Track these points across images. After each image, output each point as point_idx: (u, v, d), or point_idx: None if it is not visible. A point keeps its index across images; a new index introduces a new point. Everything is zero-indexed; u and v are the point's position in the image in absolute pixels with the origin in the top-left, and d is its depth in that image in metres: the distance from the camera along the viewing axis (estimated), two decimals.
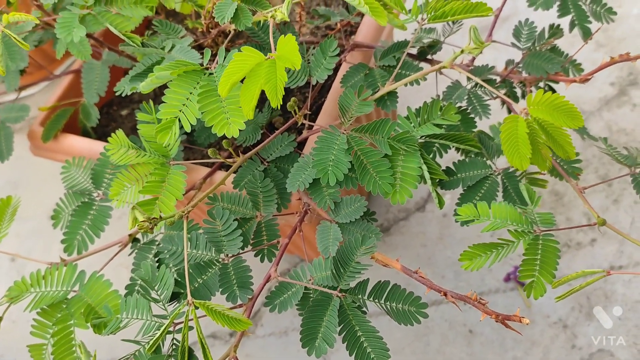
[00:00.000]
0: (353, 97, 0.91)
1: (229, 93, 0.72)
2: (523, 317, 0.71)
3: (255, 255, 0.90)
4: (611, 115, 1.49)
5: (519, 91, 1.04)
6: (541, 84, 1.01)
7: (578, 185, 0.86)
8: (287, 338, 1.41)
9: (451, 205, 1.51)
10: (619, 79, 1.54)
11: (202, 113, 0.79)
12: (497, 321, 0.74)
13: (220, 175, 1.02)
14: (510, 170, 0.91)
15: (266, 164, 0.97)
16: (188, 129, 0.80)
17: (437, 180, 0.90)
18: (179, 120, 0.81)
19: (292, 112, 0.92)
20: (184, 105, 0.81)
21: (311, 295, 0.82)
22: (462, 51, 0.86)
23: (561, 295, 0.77)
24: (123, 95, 0.91)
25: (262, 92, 0.72)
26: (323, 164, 0.86)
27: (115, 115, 1.31)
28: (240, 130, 0.78)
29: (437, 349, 1.31)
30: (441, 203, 0.89)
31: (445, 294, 0.79)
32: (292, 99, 0.90)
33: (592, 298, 1.29)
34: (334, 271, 0.80)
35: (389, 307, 0.80)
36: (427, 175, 0.87)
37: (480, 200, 0.90)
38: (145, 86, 0.83)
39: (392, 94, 0.94)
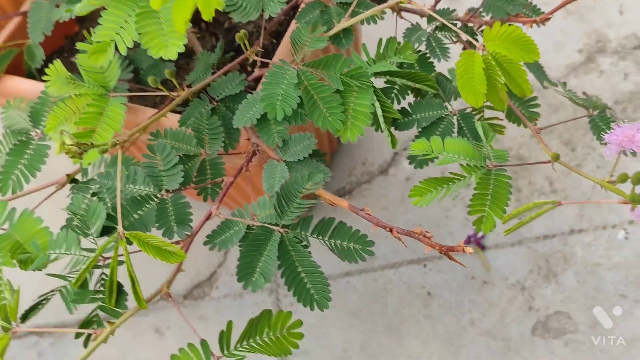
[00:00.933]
0: (306, 33, 0.87)
1: (163, 5, 0.67)
2: (467, 246, 0.67)
3: (199, 194, 0.86)
4: (578, 81, 1.47)
5: (480, 38, 1.01)
6: None
7: (535, 126, 0.83)
8: (242, 300, 1.37)
9: (414, 170, 1.49)
10: (587, 46, 1.52)
11: (139, 35, 0.74)
12: (440, 252, 0.71)
13: (170, 116, 0.97)
14: (467, 111, 0.87)
15: (215, 103, 0.92)
16: (124, 52, 0.75)
17: (392, 120, 0.87)
18: (115, 43, 0.76)
19: (242, 46, 0.87)
20: (121, 27, 0.76)
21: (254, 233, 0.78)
22: None
23: (510, 228, 0.74)
24: (61, 22, 0.85)
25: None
26: (271, 99, 0.82)
27: (64, 63, 1.25)
28: (179, 53, 0.73)
29: (395, 312, 1.29)
30: (394, 143, 0.85)
31: (391, 230, 0.76)
32: (242, 31, 0.86)
33: (551, 260, 1.27)
34: (277, 207, 0.76)
35: (333, 244, 0.76)
36: (379, 113, 0.83)
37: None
38: (81, 8, 0.78)
39: (348, 31, 0.90)
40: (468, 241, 1.33)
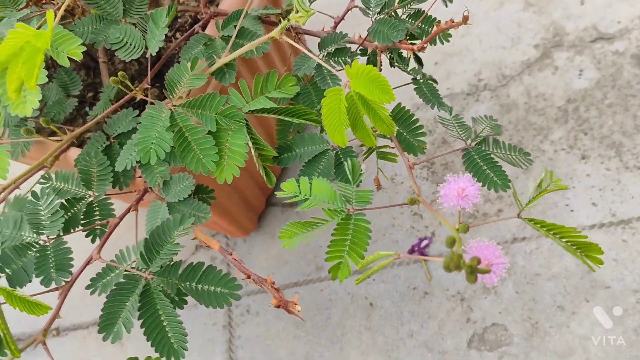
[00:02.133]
0: (185, 70, 0.87)
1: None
2: (296, 304, 0.68)
3: (87, 236, 0.88)
4: (532, 79, 1.42)
5: (386, 59, 0.99)
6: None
7: (409, 161, 0.82)
8: (196, 310, 1.40)
9: (365, 175, 1.48)
10: (544, 41, 1.46)
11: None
12: (276, 307, 0.71)
13: (74, 152, 1.00)
14: (347, 146, 0.86)
15: (112, 140, 0.94)
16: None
17: (272, 157, 0.87)
18: None
19: (123, 87, 0.88)
20: None
21: None
22: (288, 20, 0.81)
23: (360, 277, 0.73)
24: None
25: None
26: (145, 142, 0.83)
27: None
28: (33, 108, 0.75)
29: (338, 322, 1.30)
30: (270, 180, 0.85)
31: (249, 277, 0.77)
32: (120, 73, 0.87)
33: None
34: (144, 253, 0.78)
35: (200, 289, 0.78)
36: (254, 153, 0.83)
37: (320, 175, 0.87)
38: None
39: (231, 66, 0.90)
40: (412, 250, 1.32)
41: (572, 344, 1.14)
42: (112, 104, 0.97)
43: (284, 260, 1.38)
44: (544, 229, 0.71)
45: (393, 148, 0.90)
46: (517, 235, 1.27)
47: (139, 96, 0.91)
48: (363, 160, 0.93)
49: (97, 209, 0.88)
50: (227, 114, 0.83)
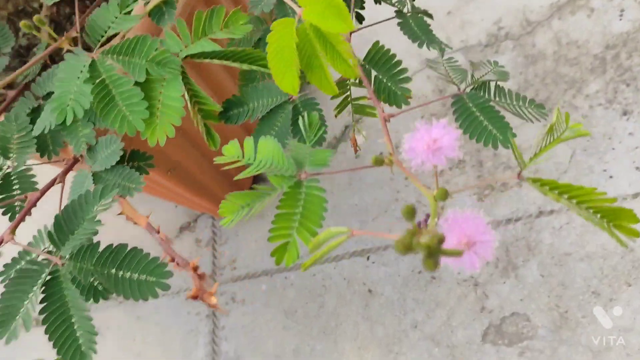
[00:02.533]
0: (113, 10, 0.71)
1: None
2: (213, 294, 0.52)
3: (4, 214, 0.74)
4: (562, 24, 1.20)
5: None
6: None
7: (384, 112, 0.63)
8: (179, 298, 1.26)
9: (365, 146, 1.30)
10: None
11: None
12: (193, 299, 0.55)
13: None
14: (310, 97, 0.69)
15: (41, 100, 0.79)
16: None
17: (216, 113, 0.70)
18: None
19: (42, 33, 0.73)
20: None
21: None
22: None
23: (306, 262, 0.56)
24: None
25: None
26: (62, 99, 0.68)
27: None
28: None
29: (332, 311, 1.13)
30: (214, 142, 0.69)
31: (173, 260, 0.61)
32: (35, 17, 0.71)
33: (512, 250, 1.05)
34: (53, 234, 0.63)
35: (120, 276, 0.62)
36: (191, 108, 0.67)
37: (277, 135, 0.69)
38: None
39: (170, 3, 0.73)
40: (418, 226, 1.14)
41: (608, 337, 0.95)
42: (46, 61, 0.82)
43: None
44: (555, 191, 0.53)
45: (371, 99, 0.72)
46: (544, 208, 1.07)
47: (65, 47, 0.75)
48: (335, 116, 0.75)
49: (16, 181, 0.74)
50: (159, 61, 0.66)
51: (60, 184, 0.74)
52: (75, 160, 0.75)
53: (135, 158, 0.73)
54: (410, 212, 0.48)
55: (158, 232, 0.63)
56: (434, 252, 0.44)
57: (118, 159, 0.69)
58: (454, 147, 0.49)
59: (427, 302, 1.07)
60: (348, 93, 0.73)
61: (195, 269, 0.57)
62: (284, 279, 1.19)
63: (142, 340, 1.24)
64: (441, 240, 0.44)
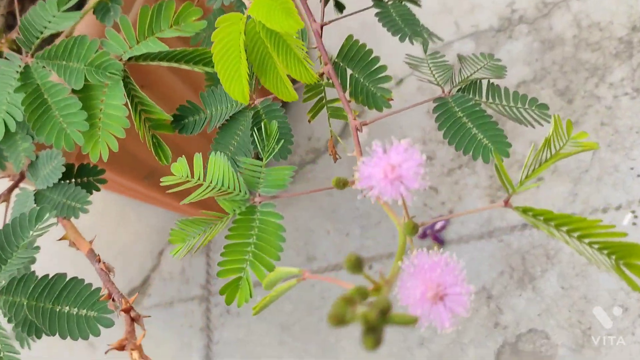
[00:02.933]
0: (50, 7, 0.62)
1: None
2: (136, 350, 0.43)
3: None
4: (582, 4, 1.07)
5: None
6: None
7: (355, 120, 0.53)
8: (172, 310, 1.19)
9: (367, 145, 1.20)
10: None
11: None
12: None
13: None
14: (273, 102, 0.59)
15: None
16: None
17: (164, 121, 0.61)
18: None
19: None
20: None
21: None
22: None
23: (257, 305, 0.47)
24: None
25: None
26: None
27: None
28: None
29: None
30: (164, 156, 0.60)
31: (110, 297, 0.52)
32: None
33: (529, 258, 0.95)
34: None
35: (57, 312, 0.54)
36: (134, 116, 0.58)
37: (238, 148, 0.60)
38: None
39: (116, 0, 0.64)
40: (424, 234, 1.04)
41: (637, 358, 0.84)
42: None
43: None
44: (550, 223, 0.43)
45: (350, 101, 0.62)
46: (564, 210, 0.95)
47: (4, 49, 0.67)
48: (309, 121, 0.65)
49: None
50: (98, 65, 0.57)
51: (5, 203, 0.67)
52: (22, 177, 0.68)
53: (84, 173, 0.65)
54: (356, 265, 0.38)
55: (99, 261, 0.55)
56: (375, 326, 0.34)
57: (60, 175, 0.61)
58: (416, 176, 0.40)
59: None
60: (322, 95, 0.63)
61: (127, 310, 0.48)
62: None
63: None
64: (385, 310, 0.35)
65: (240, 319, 1.11)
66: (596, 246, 0.42)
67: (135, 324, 0.48)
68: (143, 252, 1.32)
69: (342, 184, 0.46)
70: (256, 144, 0.55)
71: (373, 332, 0.32)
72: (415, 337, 0.97)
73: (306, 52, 0.51)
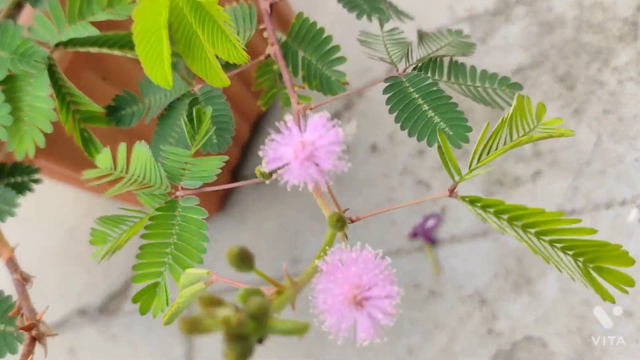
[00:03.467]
0: None
1: None
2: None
3: None
4: None
5: None
6: None
7: (299, 104, 0.47)
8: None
9: (356, 137, 1.13)
10: None
11: None
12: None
13: None
14: (213, 87, 0.53)
15: None
16: None
17: (96, 113, 0.55)
18: None
19: None
20: None
21: None
22: None
23: (166, 313, 0.41)
24: None
25: None
26: None
27: None
28: None
29: (317, 331, 0.97)
30: (96, 150, 0.54)
31: (19, 311, 0.46)
32: None
33: (525, 259, 0.87)
34: None
35: None
36: (59, 107, 0.53)
37: (180, 140, 0.54)
38: None
39: None
40: (414, 234, 0.97)
41: None
42: None
43: (255, 250, 1.06)
44: (502, 217, 0.36)
45: (304, 88, 0.56)
46: (563, 207, 0.88)
47: None
48: (262, 108, 0.59)
49: None
50: (22, 52, 0.52)
51: None
52: None
53: (16, 172, 0.59)
54: (239, 260, 0.33)
55: (15, 271, 0.49)
56: (242, 335, 0.28)
57: None
58: (329, 155, 0.33)
59: (424, 323, 0.90)
60: (275, 80, 0.57)
61: (29, 328, 0.43)
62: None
63: None
64: (257, 314, 0.28)
65: None
66: (559, 245, 0.36)
67: (40, 344, 0.42)
68: (127, 253, 1.27)
69: (269, 175, 0.40)
70: (186, 133, 0.49)
71: (239, 342, 0.26)
72: (403, 345, 0.90)
73: (236, 29, 0.45)
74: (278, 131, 0.36)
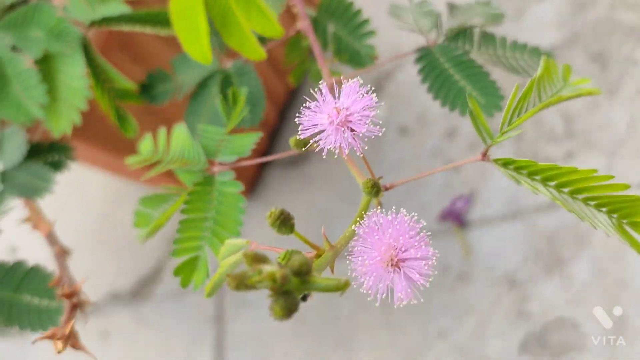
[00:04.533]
0: None
1: None
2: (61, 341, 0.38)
3: None
4: None
5: None
6: None
7: (331, 78, 0.47)
8: (184, 300, 1.15)
9: (386, 119, 1.12)
10: None
11: None
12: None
13: None
14: (245, 63, 0.54)
15: None
16: None
17: (130, 91, 0.56)
18: None
19: None
20: None
21: None
22: None
23: (208, 285, 0.42)
24: None
25: None
26: None
27: None
28: None
29: (348, 316, 0.98)
30: (129, 128, 0.55)
31: (59, 282, 0.48)
32: None
33: (557, 242, 0.86)
34: None
35: (17, 302, 0.51)
36: (94, 85, 0.53)
37: (214, 119, 0.55)
38: None
39: None
40: (444, 216, 0.96)
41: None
42: None
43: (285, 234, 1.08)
44: (536, 177, 0.36)
45: (334, 62, 0.56)
46: None
47: None
48: (293, 84, 0.59)
49: None
50: (56, 33, 0.53)
51: None
52: None
53: (54, 150, 0.61)
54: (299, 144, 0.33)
55: (56, 245, 0.51)
56: (286, 290, 0.28)
57: (24, 153, 0.57)
58: (363, 120, 0.33)
59: (455, 307, 0.90)
60: (304, 56, 0.57)
61: (69, 295, 0.44)
62: None
63: (146, 346, 1.15)
64: (300, 270, 0.29)
65: (253, 311, 1.06)
66: (593, 203, 0.35)
67: (80, 312, 0.43)
68: (157, 237, 1.30)
69: (303, 144, 0.40)
70: (222, 112, 0.49)
71: (283, 297, 0.27)
72: (435, 328, 0.90)
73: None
74: (313, 99, 0.36)
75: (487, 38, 0.46)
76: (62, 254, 0.50)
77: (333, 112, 0.34)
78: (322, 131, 0.35)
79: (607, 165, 0.87)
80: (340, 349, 0.96)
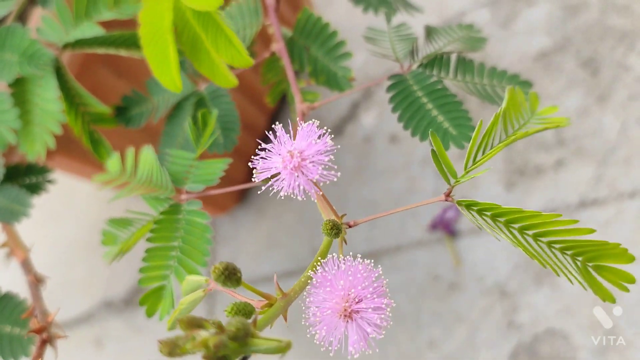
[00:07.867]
0: None
1: None
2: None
3: None
4: None
5: None
6: None
7: (303, 103, 0.46)
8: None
9: (376, 127, 1.11)
10: None
11: None
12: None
13: None
14: (218, 87, 0.53)
15: None
16: None
17: (104, 115, 0.55)
18: None
19: None
20: None
21: None
22: None
23: (170, 319, 0.41)
24: None
25: None
26: None
27: None
28: None
29: None
30: (105, 152, 0.54)
31: (31, 312, 0.47)
32: None
33: None
34: None
35: None
36: (67, 109, 0.53)
37: (188, 140, 0.54)
38: None
39: None
40: (434, 225, 0.96)
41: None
42: None
43: (276, 241, 1.08)
44: (499, 219, 0.35)
45: (311, 83, 0.55)
46: (586, 198, 0.86)
47: None
48: (271, 105, 0.58)
49: None
50: (30, 54, 0.52)
51: None
52: None
53: (31, 173, 0.60)
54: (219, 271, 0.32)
55: (30, 273, 0.50)
56: (223, 356, 0.28)
57: (0, 177, 0.56)
58: (318, 164, 0.33)
59: (445, 316, 0.89)
60: (282, 77, 0.56)
61: (40, 330, 0.43)
62: (289, 286, 1.05)
63: (139, 353, 1.15)
64: (237, 335, 0.28)
65: None
66: (558, 246, 0.34)
67: (51, 347, 0.42)
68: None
69: (267, 181, 0.39)
70: (190, 136, 0.49)
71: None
72: (425, 337, 0.90)
73: (242, 25, 0.44)
74: (268, 140, 0.35)
75: (465, 64, 0.45)
76: (35, 283, 0.49)
77: (287, 156, 0.33)
78: (278, 174, 0.35)
79: (596, 172, 0.86)
80: (328, 358, 0.96)
